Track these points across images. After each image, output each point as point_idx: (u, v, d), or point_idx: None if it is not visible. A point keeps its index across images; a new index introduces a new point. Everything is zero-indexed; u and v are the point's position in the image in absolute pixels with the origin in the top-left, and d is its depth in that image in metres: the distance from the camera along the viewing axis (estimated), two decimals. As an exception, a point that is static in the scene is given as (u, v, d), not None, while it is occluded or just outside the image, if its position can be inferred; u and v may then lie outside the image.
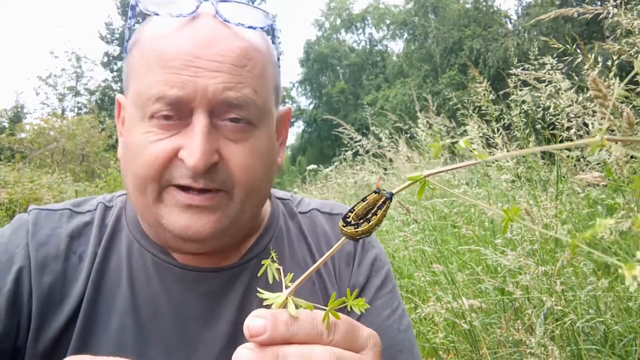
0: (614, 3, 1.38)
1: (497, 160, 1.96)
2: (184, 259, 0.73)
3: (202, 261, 0.74)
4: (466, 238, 2.30)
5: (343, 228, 0.42)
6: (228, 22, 0.65)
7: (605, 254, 1.65)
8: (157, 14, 0.65)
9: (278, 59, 0.74)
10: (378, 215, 0.41)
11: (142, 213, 0.68)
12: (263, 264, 0.45)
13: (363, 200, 0.43)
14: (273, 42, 0.73)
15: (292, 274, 0.43)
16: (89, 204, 0.78)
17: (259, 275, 0.45)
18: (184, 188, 0.64)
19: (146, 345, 0.68)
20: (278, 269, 0.44)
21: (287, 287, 0.42)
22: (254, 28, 0.67)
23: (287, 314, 0.40)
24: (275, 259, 0.45)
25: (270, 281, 0.44)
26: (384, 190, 0.43)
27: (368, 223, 0.41)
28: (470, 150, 0.33)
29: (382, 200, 0.41)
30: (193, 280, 0.72)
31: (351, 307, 0.78)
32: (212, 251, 0.71)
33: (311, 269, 0.42)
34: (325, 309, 0.40)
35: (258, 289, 0.43)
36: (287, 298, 0.40)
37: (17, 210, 4.65)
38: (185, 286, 0.72)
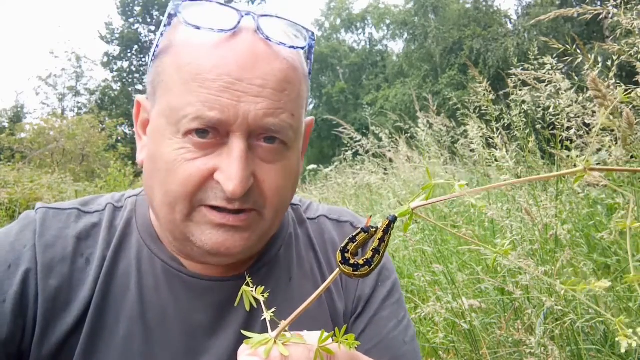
0: (614, 3, 1.37)
1: (497, 161, 1.96)
2: (194, 267, 0.72)
3: (212, 270, 0.73)
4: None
5: (354, 273, 0.41)
6: (270, 40, 0.63)
7: (606, 254, 1.65)
8: (198, 28, 0.62)
9: (309, 72, 0.73)
10: (386, 242, 0.41)
11: (170, 228, 0.67)
12: (241, 292, 0.44)
13: (352, 240, 0.42)
14: (308, 58, 0.71)
15: (274, 308, 0.42)
16: (97, 203, 0.76)
17: (235, 304, 0.44)
18: (217, 208, 0.63)
19: (153, 353, 0.67)
20: (257, 299, 0.43)
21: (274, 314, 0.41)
22: (295, 48, 0.65)
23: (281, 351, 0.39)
24: (251, 284, 0.44)
25: (248, 308, 0.43)
26: (372, 228, 0.43)
27: (378, 254, 0.41)
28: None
29: (386, 224, 0.41)
30: (202, 288, 0.71)
31: (356, 319, 0.76)
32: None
33: (303, 306, 0.41)
34: (324, 332, 0.40)
35: (243, 332, 0.42)
36: (275, 341, 0.39)
37: (17, 210, 4.65)
38: (194, 294, 0.71)
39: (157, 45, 0.67)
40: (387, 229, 0.41)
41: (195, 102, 0.59)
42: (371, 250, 0.41)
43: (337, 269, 0.42)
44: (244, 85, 0.60)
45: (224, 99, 0.59)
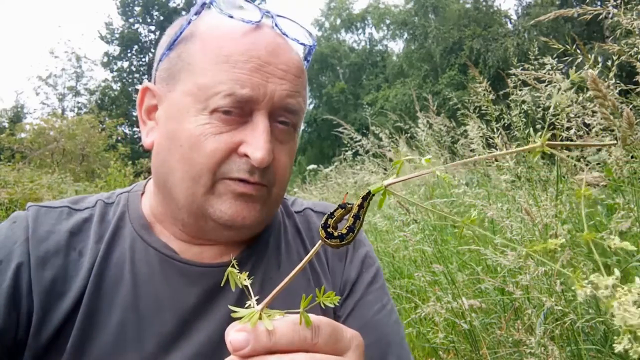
0: (614, 3, 1.37)
1: (497, 161, 1.96)
2: (188, 255, 0.76)
3: (205, 257, 0.76)
4: (466, 238, 2.30)
5: (341, 243, 0.43)
6: (286, 35, 0.74)
7: (605, 254, 1.65)
8: (232, 17, 0.70)
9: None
10: (365, 208, 0.43)
11: (188, 203, 0.70)
12: (227, 273, 0.45)
13: (331, 216, 0.45)
14: (306, 59, 0.79)
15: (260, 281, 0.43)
16: (87, 201, 0.80)
17: (222, 285, 0.47)
18: (237, 181, 0.69)
19: (146, 338, 0.70)
20: (246, 286, 0.44)
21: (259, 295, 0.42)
22: (304, 45, 0.77)
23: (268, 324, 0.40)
24: (236, 266, 0.45)
25: (233, 289, 0.45)
26: (349, 204, 0.45)
27: (359, 219, 0.43)
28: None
29: (365, 194, 0.42)
30: (195, 274, 0.74)
31: (342, 302, 0.79)
32: (224, 242, 0.76)
33: (287, 279, 0.42)
34: (304, 312, 0.40)
35: (230, 307, 0.44)
36: (260, 314, 0.40)
37: (17, 210, 4.64)
38: (187, 280, 0.74)
39: (180, 33, 0.72)
40: (366, 197, 0.43)
41: (227, 80, 0.66)
42: (352, 217, 0.43)
43: (319, 242, 0.43)
44: (271, 68, 0.68)
45: (255, 78, 0.67)
